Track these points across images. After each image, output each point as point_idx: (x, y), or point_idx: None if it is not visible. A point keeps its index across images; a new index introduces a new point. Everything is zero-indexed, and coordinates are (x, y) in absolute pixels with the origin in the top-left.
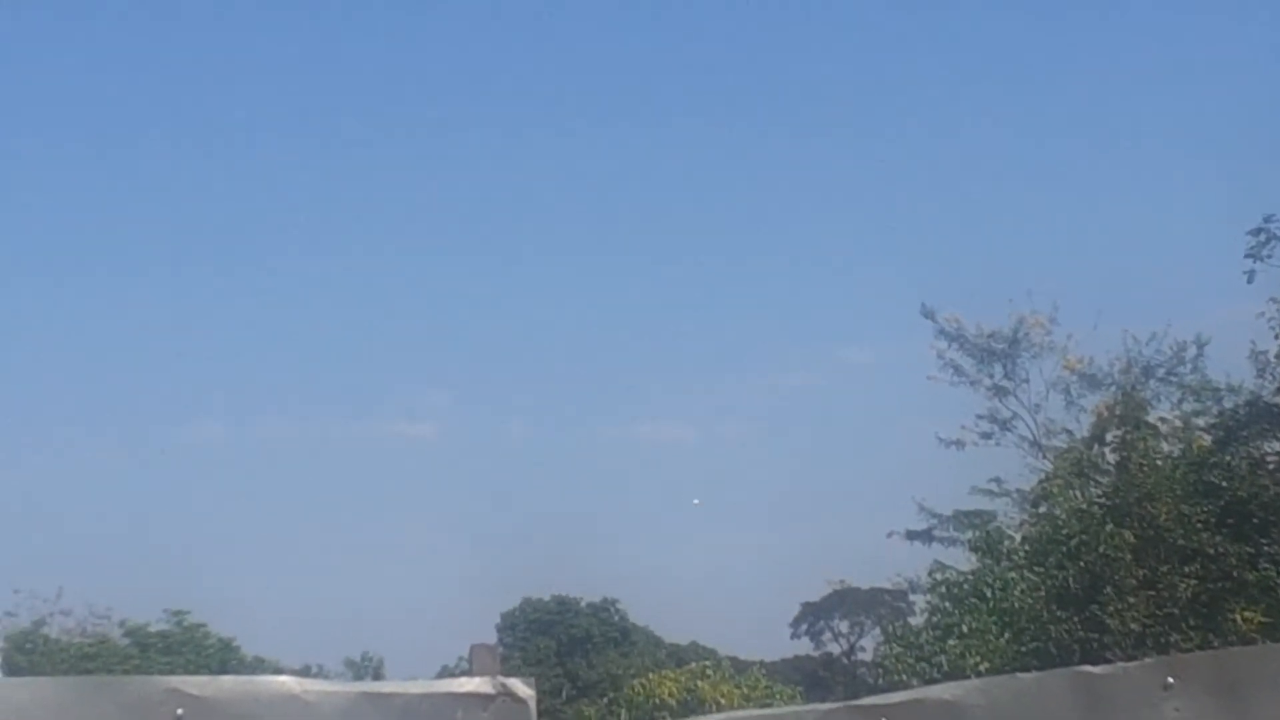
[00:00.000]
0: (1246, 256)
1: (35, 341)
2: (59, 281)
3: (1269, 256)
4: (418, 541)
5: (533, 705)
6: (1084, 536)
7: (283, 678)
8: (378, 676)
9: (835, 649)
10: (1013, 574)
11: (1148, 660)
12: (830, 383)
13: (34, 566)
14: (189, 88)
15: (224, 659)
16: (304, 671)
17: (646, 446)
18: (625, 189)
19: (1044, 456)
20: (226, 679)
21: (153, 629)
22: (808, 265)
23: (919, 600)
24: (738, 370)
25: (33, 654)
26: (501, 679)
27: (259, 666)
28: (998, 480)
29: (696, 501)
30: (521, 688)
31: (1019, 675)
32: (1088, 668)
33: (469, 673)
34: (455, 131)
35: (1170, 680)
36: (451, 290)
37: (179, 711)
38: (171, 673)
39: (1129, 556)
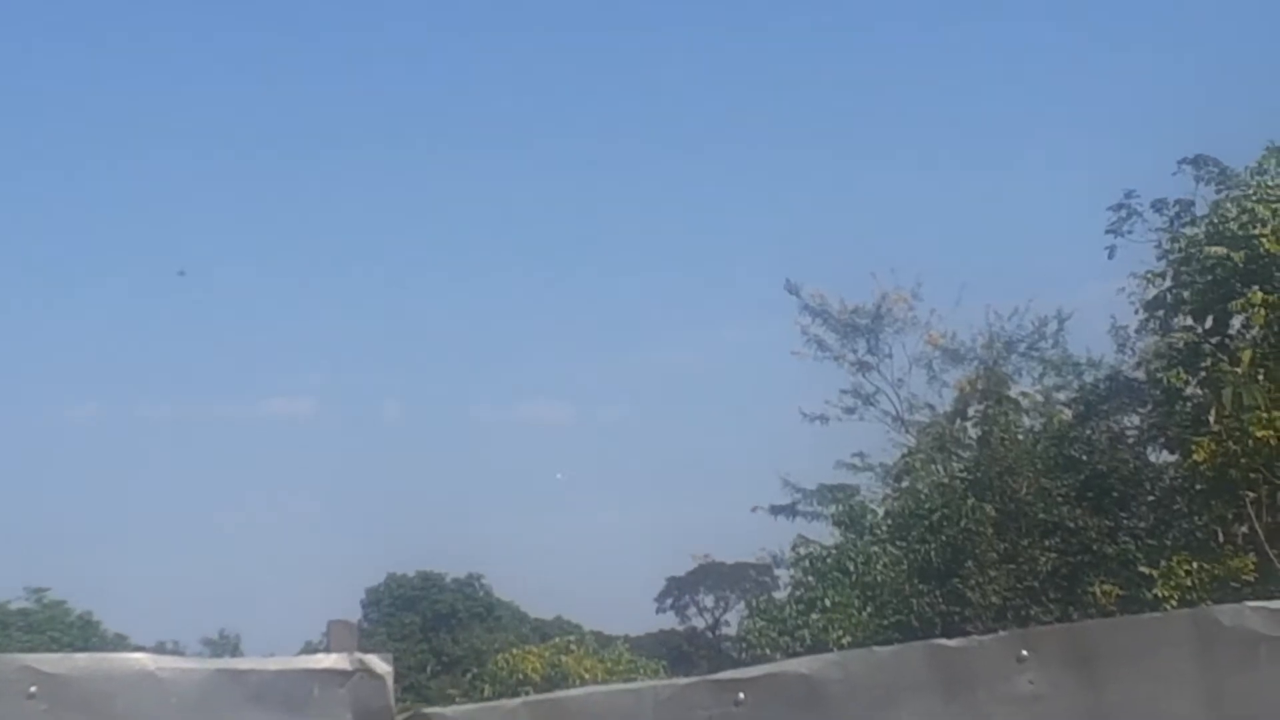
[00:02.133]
0: (1108, 232)
1: None
2: None
3: (1129, 232)
4: (285, 520)
5: (390, 681)
6: (946, 510)
7: (137, 655)
8: (235, 654)
9: (700, 623)
10: (875, 548)
11: (1002, 633)
12: (704, 360)
13: None
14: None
15: (86, 636)
16: (160, 649)
17: (524, 426)
18: (505, 171)
19: (907, 431)
20: (80, 656)
21: (13, 607)
22: (686, 244)
23: (783, 574)
24: (618, 349)
25: None
26: (359, 655)
27: (120, 644)
28: (861, 455)
29: (559, 476)
30: (379, 664)
31: (875, 649)
32: (943, 641)
33: (328, 649)
34: (334, 123)
35: (1024, 653)
36: (333, 270)
37: (31, 689)
38: (32, 650)
39: (990, 530)
